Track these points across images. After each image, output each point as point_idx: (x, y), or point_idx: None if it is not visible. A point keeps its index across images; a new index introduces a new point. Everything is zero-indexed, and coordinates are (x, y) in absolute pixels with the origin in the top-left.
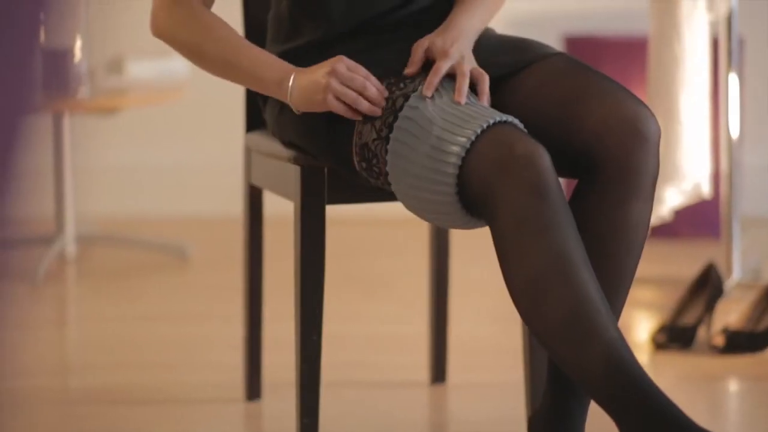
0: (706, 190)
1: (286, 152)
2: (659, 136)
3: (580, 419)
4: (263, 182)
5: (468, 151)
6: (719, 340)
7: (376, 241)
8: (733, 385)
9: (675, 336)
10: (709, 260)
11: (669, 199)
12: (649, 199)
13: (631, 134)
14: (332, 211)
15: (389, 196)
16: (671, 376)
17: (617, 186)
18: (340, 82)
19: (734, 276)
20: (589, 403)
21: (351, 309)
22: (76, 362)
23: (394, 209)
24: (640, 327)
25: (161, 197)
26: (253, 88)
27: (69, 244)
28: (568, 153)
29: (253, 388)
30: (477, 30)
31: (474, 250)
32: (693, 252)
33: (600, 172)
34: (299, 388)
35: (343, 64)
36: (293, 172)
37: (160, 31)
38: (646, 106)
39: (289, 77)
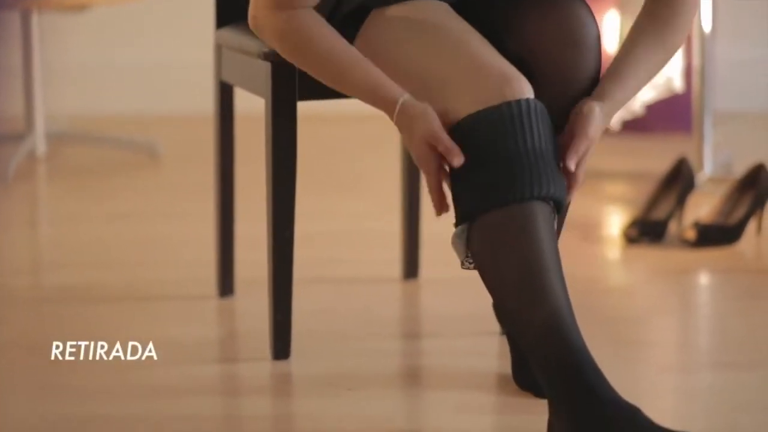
0: (678, 84)
1: (257, 48)
2: (597, 38)
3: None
4: (234, 78)
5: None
6: (690, 234)
7: (348, 138)
8: (703, 279)
9: (646, 230)
10: (680, 155)
11: (640, 94)
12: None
13: (564, 42)
14: (304, 107)
15: None
16: (642, 270)
17: (553, 94)
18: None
19: (705, 170)
20: None
21: (323, 206)
22: (48, 261)
23: (365, 105)
24: (611, 221)
25: (131, 95)
26: (362, 100)
27: (39, 142)
28: (511, 59)
29: (226, 285)
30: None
31: None
32: (664, 146)
33: (536, 80)
34: (272, 284)
35: (439, 142)
36: (264, 68)
37: (260, 31)
38: (584, 8)
39: (395, 105)
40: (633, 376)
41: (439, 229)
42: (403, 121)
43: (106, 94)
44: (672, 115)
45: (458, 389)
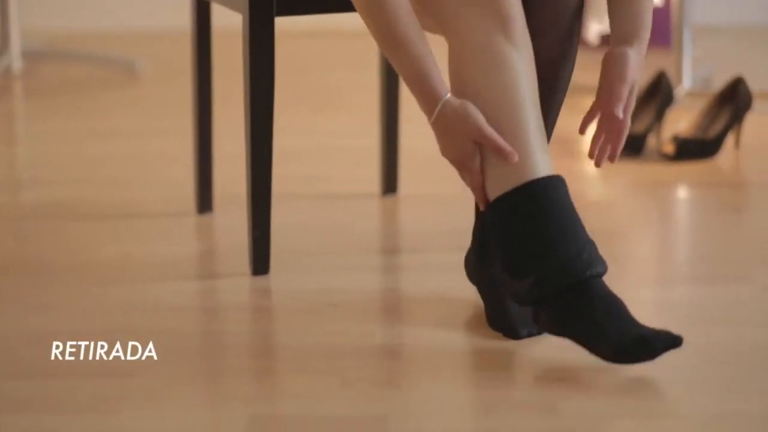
0: None
1: None
2: None
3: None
4: None
5: None
6: (669, 148)
7: (327, 54)
8: (682, 192)
9: (625, 144)
10: (659, 69)
11: None
12: (567, 34)
13: None
14: (282, 23)
15: (339, 7)
16: (622, 184)
17: (543, 17)
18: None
19: (684, 84)
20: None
21: (302, 123)
22: (27, 178)
23: (344, 21)
24: (589, 135)
25: (108, 11)
26: (406, 81)
27: (15, 59)
28: None
29: (204, 202)
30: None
31: None
32: (644, 61)
33: (527, 2)
34: (250, 201)
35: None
36: None
37: None
38: None
39: (438, 101)
40: (611, 288)
41: (418, 144)
42: (444, 118)
43: (83, 10)
44: (651, 29)
45: (438, 303)
